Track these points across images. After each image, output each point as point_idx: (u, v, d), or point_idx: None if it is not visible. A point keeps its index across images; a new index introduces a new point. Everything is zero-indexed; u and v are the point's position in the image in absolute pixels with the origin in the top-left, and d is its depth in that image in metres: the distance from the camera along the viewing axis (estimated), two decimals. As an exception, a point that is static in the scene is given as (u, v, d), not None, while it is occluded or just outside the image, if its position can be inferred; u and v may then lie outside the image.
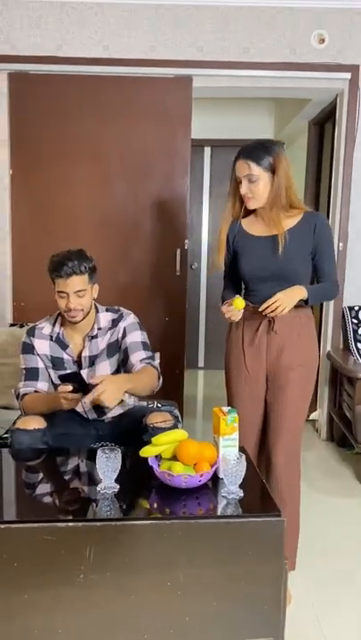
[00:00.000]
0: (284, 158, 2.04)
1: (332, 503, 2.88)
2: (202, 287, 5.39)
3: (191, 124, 3.29)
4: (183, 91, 3.26)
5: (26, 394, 2.17)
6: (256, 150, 2.03)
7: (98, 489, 1.65)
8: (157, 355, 2.29)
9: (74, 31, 3.22)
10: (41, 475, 1.96)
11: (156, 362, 2.23)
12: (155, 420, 2.07)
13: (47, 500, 1.75)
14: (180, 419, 2.53)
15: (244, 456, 1.65)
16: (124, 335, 2.20)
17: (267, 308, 1.97)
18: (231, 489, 1.63)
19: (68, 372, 2.14)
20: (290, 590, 1.88)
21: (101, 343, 2.20)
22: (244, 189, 2.05)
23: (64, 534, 1.49)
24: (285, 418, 2.09)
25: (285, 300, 1.97)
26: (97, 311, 2.23)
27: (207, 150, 5.19)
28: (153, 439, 1.74)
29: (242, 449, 1.86)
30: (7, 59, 3.21)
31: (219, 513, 1.59)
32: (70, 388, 1.95)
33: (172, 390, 3.40)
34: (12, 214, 3.35)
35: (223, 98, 4.02)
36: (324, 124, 4.15)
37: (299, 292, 2.01)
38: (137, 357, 2.17)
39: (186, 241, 3.40)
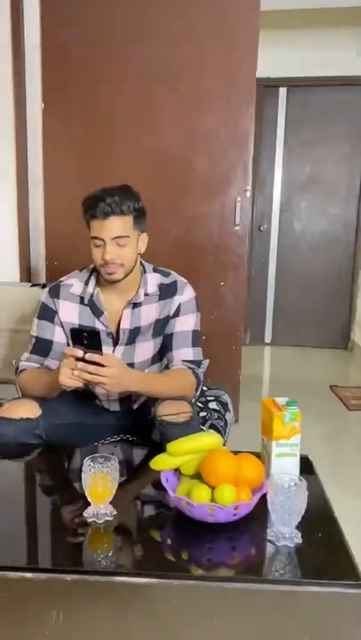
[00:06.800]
0: None
1: None
2: (271, 252, 4.73)
3: (258, 38, 2.63)
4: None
5: (25, 369, 1.68)
6: None
7: (85, 516, 1.13)
8: (206, 362, 1.72)
9: None
10: (12, 486, 1.41)
11: (202, 370, 1.67)
12: (165, 411, 1.50)
13: (5, 530, 1.15)
14: (228, 406, 1.97)
15: (305, 482, 1.06)
16: (177, 314, 1.65)
17: None
18: (282, 530, 1.06)
19: (84, 326, 1.61)
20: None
21: (147, 315, 1.65)
22: None
23: (21, 590, 0.98)
24: None
25: None
26: (144, 271, 1.67)
27: (282, 91, 4.46)
28: (168, 446, 1.19)
29: (306, 460, 1.27)
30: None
31: (263, 571, 1.02)
32: (81, 353, 1.37)
33: (225, 370, 2.84)
34: (44, 158, 2.86)
35: (298, 28, 3.31)
36: None
37: None
38: (181, 355, 1.64)
39: (248, 187, 2.77)
